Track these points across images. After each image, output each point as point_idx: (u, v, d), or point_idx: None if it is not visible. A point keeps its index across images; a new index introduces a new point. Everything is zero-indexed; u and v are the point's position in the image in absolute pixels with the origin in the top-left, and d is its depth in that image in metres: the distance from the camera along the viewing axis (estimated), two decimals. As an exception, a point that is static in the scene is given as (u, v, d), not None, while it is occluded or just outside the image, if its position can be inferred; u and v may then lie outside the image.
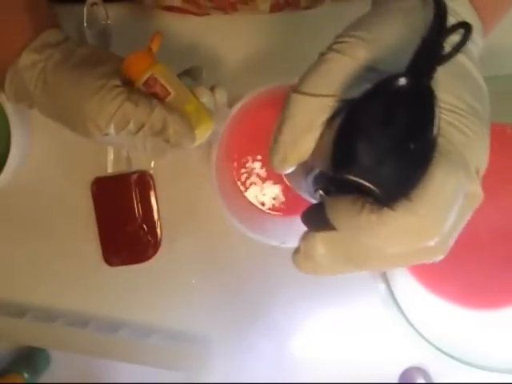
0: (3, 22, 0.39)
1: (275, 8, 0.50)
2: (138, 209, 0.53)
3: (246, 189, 0.51)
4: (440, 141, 0.24)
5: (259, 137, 0.50)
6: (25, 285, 0.55)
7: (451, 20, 0.26)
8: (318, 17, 0.51)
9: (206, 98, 0.40)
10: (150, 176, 0.53)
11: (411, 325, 0.48)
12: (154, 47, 0.40)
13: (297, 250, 0.27)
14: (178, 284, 0.54)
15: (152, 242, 0.54)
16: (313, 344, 0.55)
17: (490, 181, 0.51)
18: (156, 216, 0.54)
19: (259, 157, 0.51)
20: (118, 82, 0.37)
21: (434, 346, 0.48)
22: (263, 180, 0.51)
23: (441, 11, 0.26)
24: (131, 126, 0.37)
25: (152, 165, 0.53)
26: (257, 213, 0.51)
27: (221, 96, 0.42)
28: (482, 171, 0.26)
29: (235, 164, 0.51)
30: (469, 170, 0.24)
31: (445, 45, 0.25)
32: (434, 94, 0.23)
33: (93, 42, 0.49)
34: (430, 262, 0.25)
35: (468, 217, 0.26)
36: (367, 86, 0.24)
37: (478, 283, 0.51)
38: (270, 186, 0.51)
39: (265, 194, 0.51)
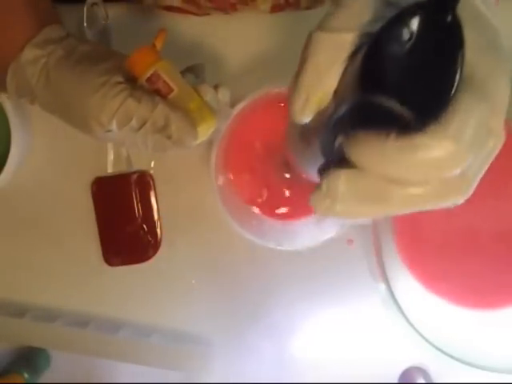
0: (5, 18, 0.39)
1: (276, 8, 0.50)
2: (138, 209, 0.53)
3: (246, 190, 0.51)
4: (465, 71, 0.23)
5: (260, 137, 0.50)
6: (25, 285, 0.55)
7: None
8: (319, 17, 0.51)
9: (209, 95, 0.40)
10: (150, 176, 0.53)
11: (411, 325, 0.48)
12: (158, 44, 0.40)
13: (318, 187, 0.26)
14: (178, 284, 0.54)
15: (152, 242, 0.54)
16: (313, 344, 0.55)
17: (490, 181, 0.51)
18: (156, 216, 0.54)
19: (260, 157, 0.51)
20: (120, 79, 0.37)
21: (433, 346, 0.48)
22: (263, 181, 0.51)
23: None
24: (133, 123, 0.37)
25: (152, 165, 0.53)
26: (255, 215, 0.52)
27: (223, 95, 0.42)
28: (504, 109, 0.25)
29: (235, 164, 0.51)
30: (493, 104, 0.24)
31: None
32: (458, 19, 0.23)
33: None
34: (451, 205, 0.25)
35: (491, 159, 0.26)
36: (386, 19, 0.24)
37: (477, 283, 0.51)
38: (269, 187, 0.51)
39: (265, 195, 0.51)
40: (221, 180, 0.47)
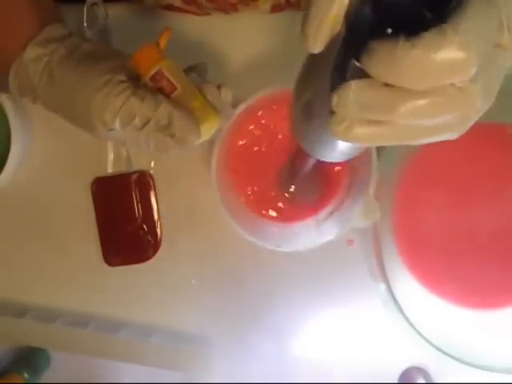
0: (7, 16, 0.39)
1: (276, 8, 0.50)
2: (138, 209, 0.53)
3: (246, 191, 0.51)
4: None
5: (261, 138, 0.50)
6: (25, 285, 0.55)
7: None
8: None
9: (212, 95, 0.40)
10: (150, 176, 0.53)
11: (411, 325, 0.48)
12: (162, 42, 0.40)
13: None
14: (177, 284, 0.54)
15: (152, 242, 0.54)
16: (313, 344, 0.55)
17: (490, 181, 0.51)
18: (156, 216, 0.54)
19: (261, 159, 0.51)
20: (123, 78, 0.37)
21: (434, 346, 0.48)
22: (264, 182, 0.51)
23: None
24: (136, 121, 0.37)
25: (152, 165, 0.53)
26: (254, 216, 0.51)
27: (226, 95, 0.42)
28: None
29: (236, 165, 0.51)
30: (500, 20, 0.24)
31: None
32: None
33: (93, 41, 0.49)
34: (453, 134, 0.25)
35: (500, 78, 0.26)
36: None
37: (477, 283, 0.51)
38: (270, 187, 0.51)
39: (265, 196, 0.51)
40: (221, 180, 0.47)
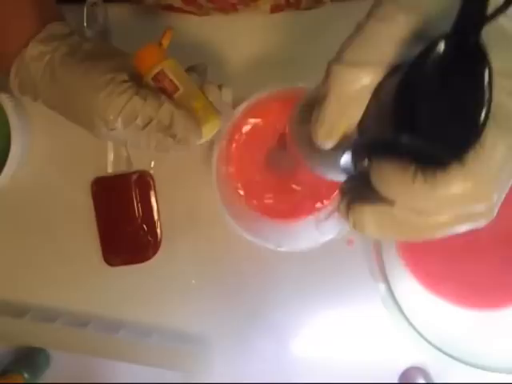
0: (9, 14, 0.39)
1: (276, 9, 0.50)
2: (137, 209, 0.53)
3: (246, 191, 0.51)
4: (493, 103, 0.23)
5: (262, 139, 0.50)
6: (25, 285, 0.55)
7: None
8: (319, 17, 0.51)
9: (214, 95, 0.40)
10: (150, 176, 0.53)
11: (411, 325, 0.48)
12: (165, 42, 0.40)
13: (347, 221, 0.27)
14: (177, 284, 0.54)
15: (152, 242, 0.54)
16: (313, 344, 0.55)
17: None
18: (156, 216, 0.54)
19: (261, 159, 0.51)
20: (125, 77, 0.37)
21: (434, 346, 0.48)
22: (264, 182, 0.51)
23: None
24: (139, 121, 0.37)
25: (152, 165, 0.53)
26: (254, 216, 0.52)
27: (226, 95, 0.42)
28: None
29: (236, 165, 0.51)
30: None
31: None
32: (484, 53, 0.23)
33: (93, 41, 0.49)
34: (475, 227, 0.26)
35: None
36: (413, 52, 0.23)
37: (477, 283, 0.51)
38: (270, 188, 0.51)
39: (265, 196, 0.51)
40: (221, 180, 0.47)
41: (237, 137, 0.50)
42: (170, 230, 0.54)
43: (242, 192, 0.51)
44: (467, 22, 0.23)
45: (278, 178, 0.51)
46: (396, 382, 0.54)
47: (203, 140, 0.40)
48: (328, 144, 0.27)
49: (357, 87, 0.25)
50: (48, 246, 0.54)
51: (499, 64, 0.24)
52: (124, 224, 0.54)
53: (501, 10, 0.23)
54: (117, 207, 0.54)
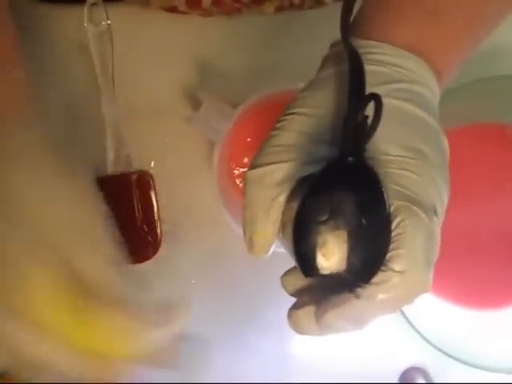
0: None
1: (280, 11, 0.50)
2: (138, 209, 0.53)
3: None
4: (393, 192, 0.25)
5: (262, 139, 0.50)
6: (25, 285, 0.55)
7: (395, 75, 0.27)
8: (320, 17, 0.51)
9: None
10: (150, 176, 0.53)
11: (411, 325, 0.49)
12: None
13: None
14: (177, 284, 0.54)
15: (152, 242, 0.54)
16: (312, 344, 0.55)
17: (490, 181, 0.51)
18: (156, 216, 0.54)
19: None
20: None
21: (434, 346, 0.48)
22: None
23: (357, 81, 0.26)
24: None
25: (152, 165, 0.53)
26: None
27: None
28: (441, 209, 0.27)
29: (237, 166, 0.51)
30: (428, 210, 0.26)
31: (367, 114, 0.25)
32: (373, 171, 0.24)
33: (93, 42, 0.49)
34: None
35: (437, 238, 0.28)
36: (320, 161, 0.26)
37: (478, 283, 0.51)
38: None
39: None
40: (222, 180, 0.47)
41: (238, 137, 0.50)
42: (170, 230, 0.54)
43: (242, 192, 0.51)
44: (346, 145, 0.25)
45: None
46: (396, 382, 0.54)
47: None
48: (257, 253, 0.29)
49: (266, 200, 0.28)
50: (48, 246, 0.54)
51: (393, 148, 0.26)
52: (124, 224, 0.54)
53: (372, 130, 0.24)
54: (117, 207, 0.54)
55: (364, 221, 0.24)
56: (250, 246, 0.28)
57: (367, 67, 0.27)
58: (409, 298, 0.27)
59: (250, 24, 0.52)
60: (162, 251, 0.54)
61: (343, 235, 0.24)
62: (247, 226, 0.28)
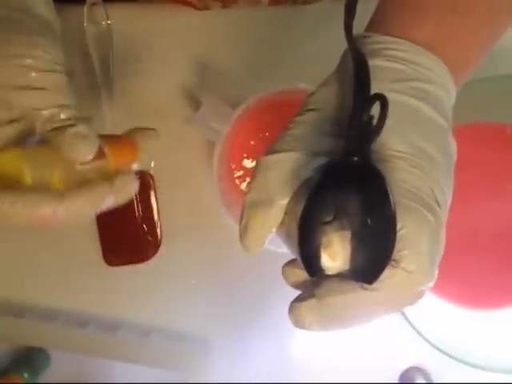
0: None
1: (275, 2, 0.50)
2: (138, 209, 0.53)
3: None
4: (398, 191, 0.25)
5: (262, 139, 0.50)
6: (25, 285, 0.55)
7: (412, 73, 0.27)
8: (318, 12, 0.51)
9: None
10: (150, 176, 0.53)
11: (411, 325, 0.49)
12: None
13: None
14: (177, 284, 0.54)
15: (152, 242, 0.54)
16: (312, 344, 0.55)
17: (490, 181, 0.51)
18: (156, 216, 0.54)
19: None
20: None
21: (434, 346, 0.48)
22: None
23: (362, 81, 0.26)
24: None
25: (152, 165, 0.53)
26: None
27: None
28: (445, 209, 0.27)
29: (237, 166, 0.51)
30: (433, 210, 0.26)
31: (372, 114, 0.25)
32: (378, 171, 0.24)
33: (93, 42, 0.49)
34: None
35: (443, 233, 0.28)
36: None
37: (478, 283, 0.51)
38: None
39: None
40: (222, 181, 0.47)
41: (237, 137, 0.50)
42: (170, 230, 0.54)
43: (243, 192, 0.51)
44: (351, 145, 0.25)
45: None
46: (396, 382, 0.54)
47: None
48: (250, 248, 0.30)
49: (279, 173, 0.27)
50: (48, 246, 0.54)
51: (399, 145, 0.26)
52: (124, 224, 0.54)
53: (377, 130, 0.24)
54: (117, 207, 0.54)
55: (369, 221, 0.24)
56: (244, 231, 0.28)
57: (385, 63, 0.27)
58: (412, 298, 0.27)
59: (250, 24, 0.52)
60: (161, 251, 0.54)
61: (348, 235, 0.24)
62: (247, 208, 0.27)
